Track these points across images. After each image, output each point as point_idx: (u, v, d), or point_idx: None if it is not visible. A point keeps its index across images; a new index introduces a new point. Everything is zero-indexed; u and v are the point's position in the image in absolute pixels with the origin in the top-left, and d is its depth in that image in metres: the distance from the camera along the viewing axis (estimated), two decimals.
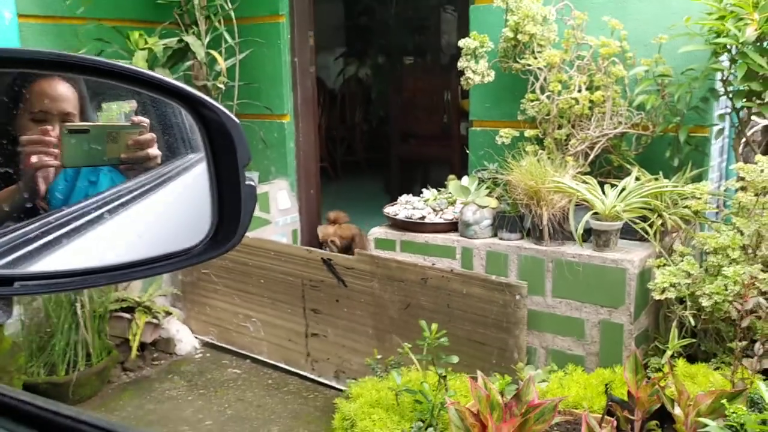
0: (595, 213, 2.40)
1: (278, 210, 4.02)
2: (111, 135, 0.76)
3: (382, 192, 6.59)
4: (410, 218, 2.86)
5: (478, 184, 2.90)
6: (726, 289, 2.00)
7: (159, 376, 3.33)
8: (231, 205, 0.75)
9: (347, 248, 3.80)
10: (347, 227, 3.97)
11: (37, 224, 0.77)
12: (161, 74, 3.10)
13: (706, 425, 1.63)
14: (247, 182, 0.75)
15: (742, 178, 2.13)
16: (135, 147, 0.77)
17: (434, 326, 2.45)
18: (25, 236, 0.75)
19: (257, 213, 3.88)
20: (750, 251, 2.09)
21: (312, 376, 3.20)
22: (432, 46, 7.70)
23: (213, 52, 3.74)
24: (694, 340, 2.13)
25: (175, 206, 0.86)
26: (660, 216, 2.38)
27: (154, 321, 3.35)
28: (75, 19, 3.76)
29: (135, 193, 0.80)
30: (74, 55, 0.68)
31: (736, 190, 2.21)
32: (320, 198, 4.28)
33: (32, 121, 0.76)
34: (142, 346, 3.42)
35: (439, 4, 7.31)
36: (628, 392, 1.87)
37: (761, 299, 1.78)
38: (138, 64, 3.57)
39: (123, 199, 0.81)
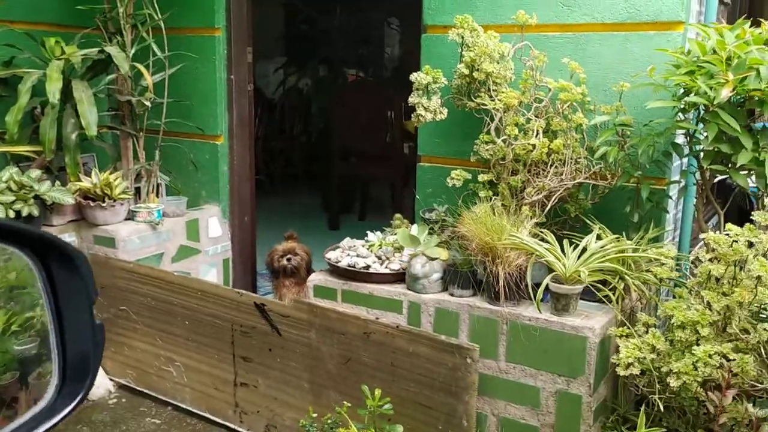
0: (555, 274, 2.24)
1: (208, 238, 3.71)
2: None
3: (320, 209, 6.34)
4: (353, 267, 2.63)
5: (429, 230, 2.70)
6: (695, 369, 1.87)
7: (66, 428, 2.97)
8: (78, 350, 0.64)
9: (308, 267, 3.54)
10: (303, 247, 3.69)
11: None
12: (79, 87, 2.65)
13: None
14: (97, 322, 0.65)
15: (712, 249, 2.00)
16: None
17: (378, 392, 2.24)
18: None
19: (185, 242, 3.57)
20: (719, 326, 1.97)
21: (240, 429, 2.92)
22: (375, 60, 7.51)
23: (138, 65, 3.40)
24: (663, 430, 1.99)
25: None
26: (622, 279, 2.24)
27: None
28: None
29: None
30: None
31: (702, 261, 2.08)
32: (255, 225, 3.99)
33: None
34: None
35: (383, 17, 7.11)
36: None
37: (749, 406, 1.65)
38: (53, 74, 3.20)
39: None
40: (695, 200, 2.48)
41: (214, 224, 3.75)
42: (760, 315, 1.99)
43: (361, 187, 6.16)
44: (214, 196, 3.79)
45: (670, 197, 2.62)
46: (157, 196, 3.62)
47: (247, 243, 3.93)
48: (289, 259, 3.60)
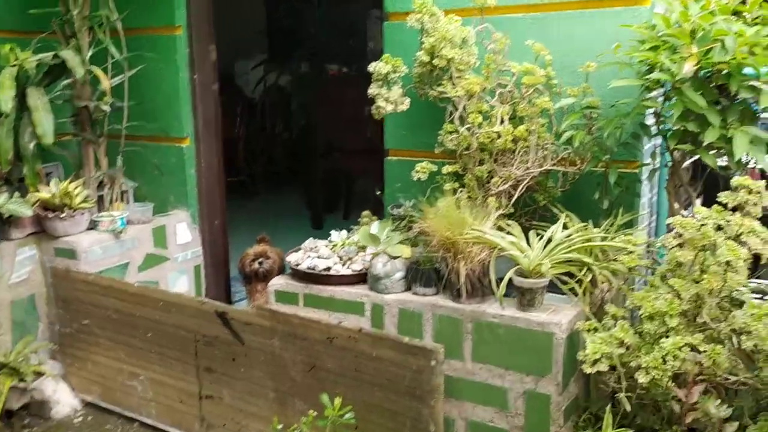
0: (519, 268, 2.11)
1: (177, 245, 3.59)
2: None
3: (304, 208, 6.21)
4: (314, 269, 2.51)
5: (392, 226, 2.58)
6: (664, 363, 1.74)
7: None
8: None
9: (280, 270, 3.43)
10: (275, 250, 3.57)
11: None
12: (35, 94, 2.53)
13: None
14: None
15: (680, 234, 1.87)
16: None
17: (338, 400, 2.12)
18: None
19: (152, 250, 3.44)
20: (690, 315, 1.85)
21: None
22: (357, 54, 7.35)
23: (95, 68, 3.28)
24: (632, 431, 1.87)
25: None
26: (590, 270, 2.11)
27: (21, 385, 2.88)
28: None
29: None
30: None
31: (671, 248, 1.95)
32: (227, 229, 3.87)
33: None
34: (10, 413, 2.94)
35: (364, 10, 6.96)
36: None
37: (711, 407, 1.52)
38: (5, 82, 3.08)
39: None
40: (666, 183, 2.35)
41: (183, 230, 3.63)
42: (733, 301, 1.86)
43: (345, 183, 6.04)
44: (183, 201, 3.66)
45: (641, 181, 2.48)
46: (124, 202, 3.50)
47: (219, 248, 3.81)
48: (261, 263, 3.48)
